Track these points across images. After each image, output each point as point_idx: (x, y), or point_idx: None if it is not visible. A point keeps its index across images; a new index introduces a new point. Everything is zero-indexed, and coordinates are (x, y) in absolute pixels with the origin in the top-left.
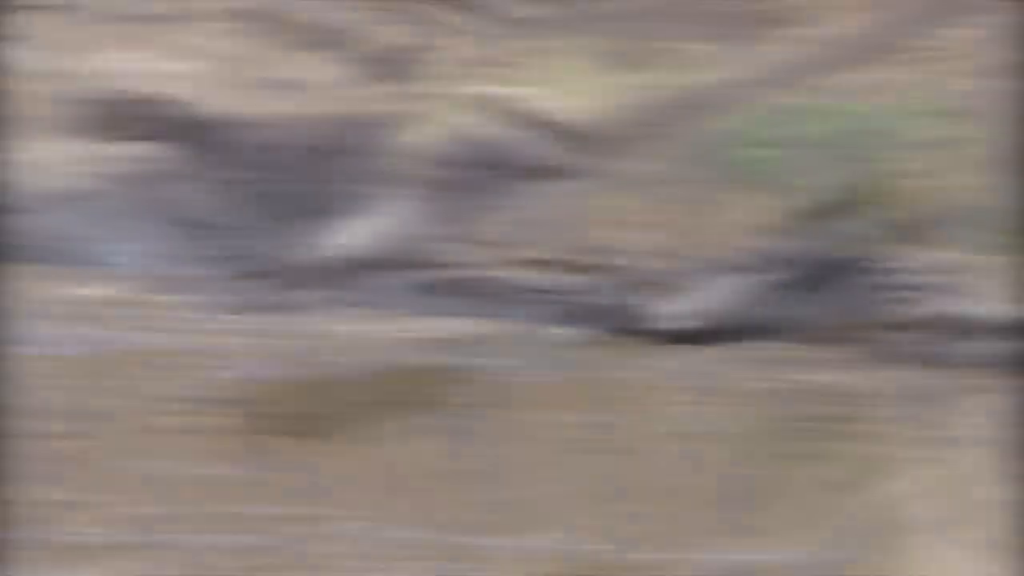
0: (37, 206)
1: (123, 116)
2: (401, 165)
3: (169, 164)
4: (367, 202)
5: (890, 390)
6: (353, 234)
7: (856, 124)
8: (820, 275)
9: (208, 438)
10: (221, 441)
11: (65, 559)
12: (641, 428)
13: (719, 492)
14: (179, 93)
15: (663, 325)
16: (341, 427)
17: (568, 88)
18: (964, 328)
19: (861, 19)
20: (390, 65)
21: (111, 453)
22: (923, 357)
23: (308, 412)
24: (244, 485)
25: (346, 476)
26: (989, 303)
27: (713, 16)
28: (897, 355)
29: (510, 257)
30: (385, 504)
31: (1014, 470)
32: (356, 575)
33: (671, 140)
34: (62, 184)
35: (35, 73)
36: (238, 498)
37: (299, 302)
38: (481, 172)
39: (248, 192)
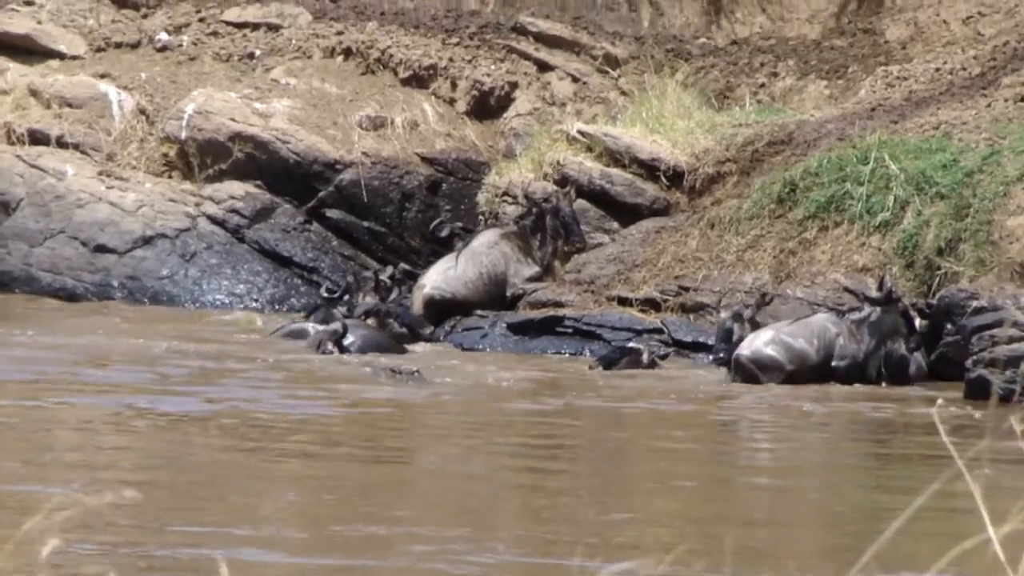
0: (134, 245)
1: (217, 155)
2: (496, 205)
3: (262, 203)
4: (462, 242)
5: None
6: (447, 274)
7: (955, 160)
8: (919, 314)
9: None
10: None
11: None
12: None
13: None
14: (273, 132)
15: (747, 360)
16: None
17: (663, 126)
18: None
19: (962, 56)
20: (486, 104)
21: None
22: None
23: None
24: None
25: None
26: None
27: (811, 52)
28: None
29: (608, 295)
30: None
31: None
32: None
33: (766, 177)
34: (156, 224)
35: (130, 113)
36: None
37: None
38: (576, 213)
39: (342, 232)
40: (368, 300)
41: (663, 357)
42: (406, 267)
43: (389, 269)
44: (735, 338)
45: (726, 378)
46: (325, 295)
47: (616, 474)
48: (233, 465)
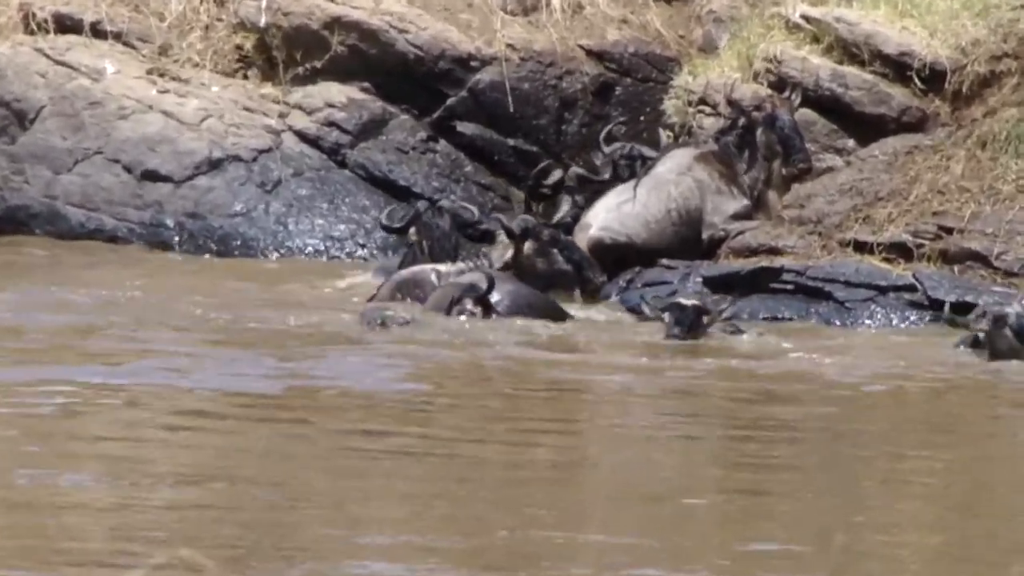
0: (196, 171)
1: (309, 48)
2: (688, 116)
3: (370, 113)
4: (639, 168)
5: None
6: (622, 211)
7: None
8: None
9: None
10: None
11: None
12: None
13: None
14: (386, 17)
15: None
16: None
17: (918, 8)
18: None
19: None
20: None
21: None
22: None
23: None
24: None
25: None
26: None
27: None
28: None
29: (841, 239)
30: None
31: None
32: None
33: None
34: (227, 142)
35: None
36: None
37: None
38: (799, 125)
39: (478, 153)
40: (523, 216)
41: (728, 318)
42: (580, 170)
43: (556, 173)
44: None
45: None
46: (385, 222)
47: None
48: (329, 455)
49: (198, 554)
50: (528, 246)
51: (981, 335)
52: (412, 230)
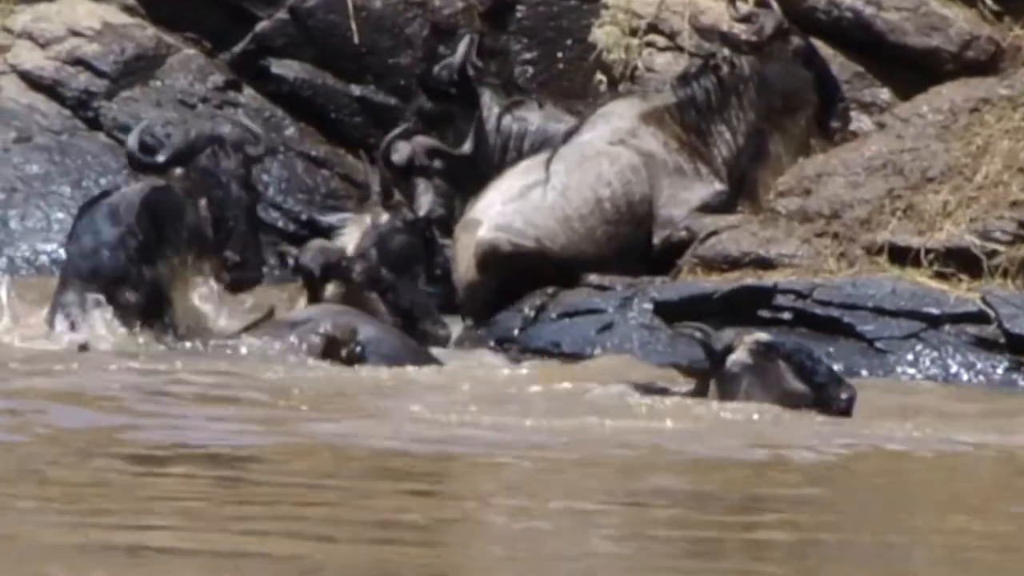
0: None
1: None
2: (632, 51)
3: (139, 46)
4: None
5: None
6: (528, 201)
7: None
8: None
9: None
10: None
11: None
12: None
13: None
14: None
15: None
16: None
17: None
18: None
19: None
20: None
21: None
22: None
23: None
24: None
25: None
26: None
27: None
28: None
29: (869, 244)
30: None
31: None
32: None
33: None
34: None
35: None
36: None
37: None
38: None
39: (304, 107)
40: (323, 246)
41: None
42: (432, 141)
43: (404, 147)
44: None
45: None
46: (134, 146)
47: None
48: None
49: None
50: (332, 289)
51: None
52: (178, 171)
